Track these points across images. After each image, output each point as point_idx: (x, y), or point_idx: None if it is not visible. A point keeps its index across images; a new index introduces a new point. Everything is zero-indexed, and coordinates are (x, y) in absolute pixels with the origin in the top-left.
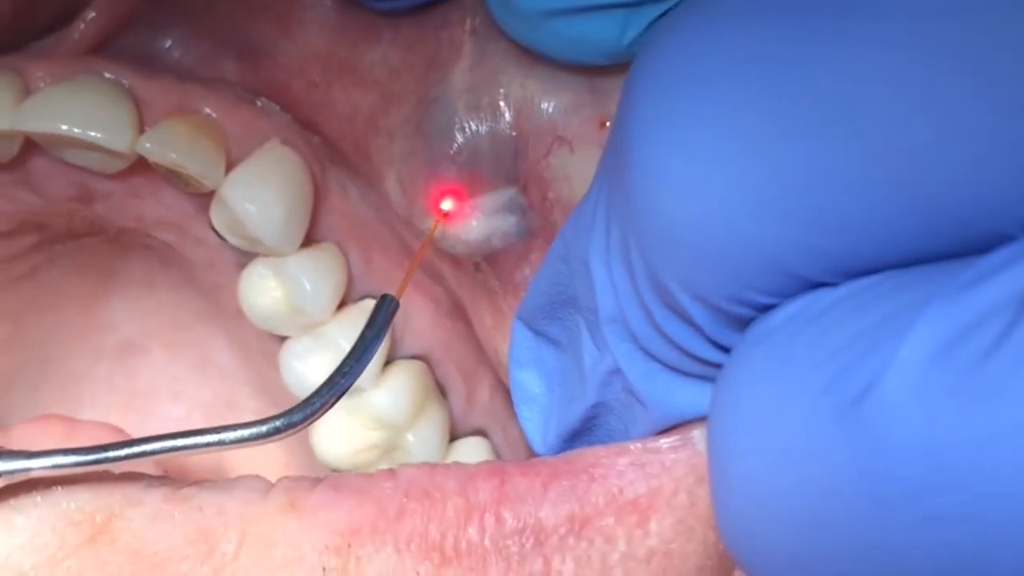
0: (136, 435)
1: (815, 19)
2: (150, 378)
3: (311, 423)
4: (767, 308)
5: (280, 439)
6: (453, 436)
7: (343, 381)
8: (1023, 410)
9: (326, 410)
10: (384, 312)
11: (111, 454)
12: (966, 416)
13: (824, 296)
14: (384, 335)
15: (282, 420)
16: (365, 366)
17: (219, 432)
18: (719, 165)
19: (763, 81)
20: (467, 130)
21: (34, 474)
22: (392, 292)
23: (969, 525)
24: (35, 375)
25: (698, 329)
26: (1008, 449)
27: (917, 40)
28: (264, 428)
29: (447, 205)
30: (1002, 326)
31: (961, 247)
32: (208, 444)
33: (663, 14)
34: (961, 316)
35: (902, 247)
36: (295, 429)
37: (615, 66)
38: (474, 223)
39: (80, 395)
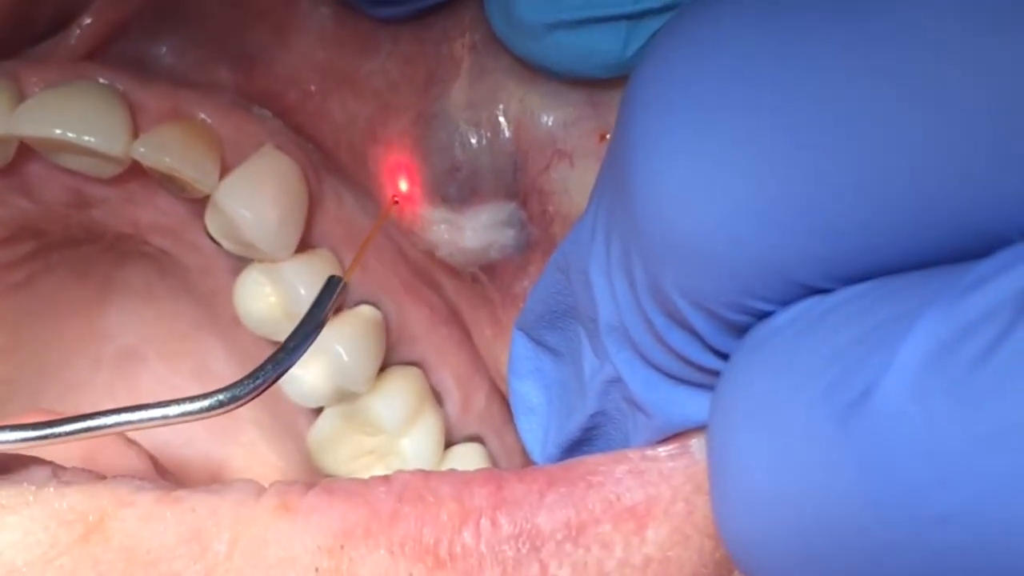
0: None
1: (815, 29)
2: (149, 386)
3: (254, 397)
4: (766, 315)
5: (224, 412)
6: (449, 442)
7: (288, 357)
8: (1019, 410)
9: (268, 385)
10: (329, 293)
11: (57, 430)
12: (964, 417)
13: (822, 301)
14: (329, 314)
15: (225, 394)
16: (310, 344)
17: (164, 407)
18: (719, 175)
19: (762, 93)
20: (467, 145)
21: None
22: (386, 298)
23: (969, 525)
24: (34, 384)
25: (698, 337)
26: (1006, 449)
27: (916, 48)
28: (207, 402)
29: (403, 187)
30: (1000, 328)
31: (959, 252)
32: (152, 419)
33: (657, 34)
34: (959, 319)
35: (901, 253)
36: (239, 403)
37: (615, 79)
38: (471, 234)
39: (79, 403)
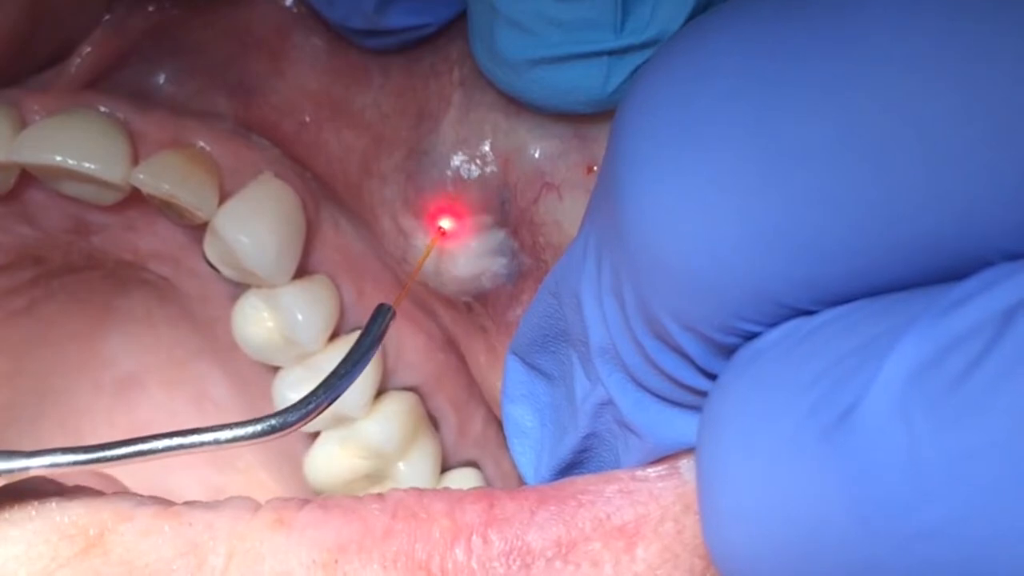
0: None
1: (801, 57)
2: (148, 412)
3: (305, 424)
4: (754, 335)
5: (274, 439)
6: (445, 467)
7: (339, 383)
8: (1000, 426)
9: (320, 411)
10: (380, 320)
11: (108, 453)
12: (945, 433)
13: (807, 322)
14: (380, 342)
15: (277, 419)
16: (360, 371)
17: (215, 431)
18: (707, 201)
19: (749, 119)
20: (457, 179)
21: (32, 473)
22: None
23: (952, 540)
24: (34, 410)
25: (689, 359)
26: (986, 464)
27: (903, 76)
28: (259, 427)
29: (446, 224)
30: (981, 346)
31: (940, 273)
32: (204, 443)
33: (646, 62)
34: (941, 337)
35: (883, 275)
36: (290, 428)
37: (601, 112)
38: (463, 261)
39: (79, 429)
